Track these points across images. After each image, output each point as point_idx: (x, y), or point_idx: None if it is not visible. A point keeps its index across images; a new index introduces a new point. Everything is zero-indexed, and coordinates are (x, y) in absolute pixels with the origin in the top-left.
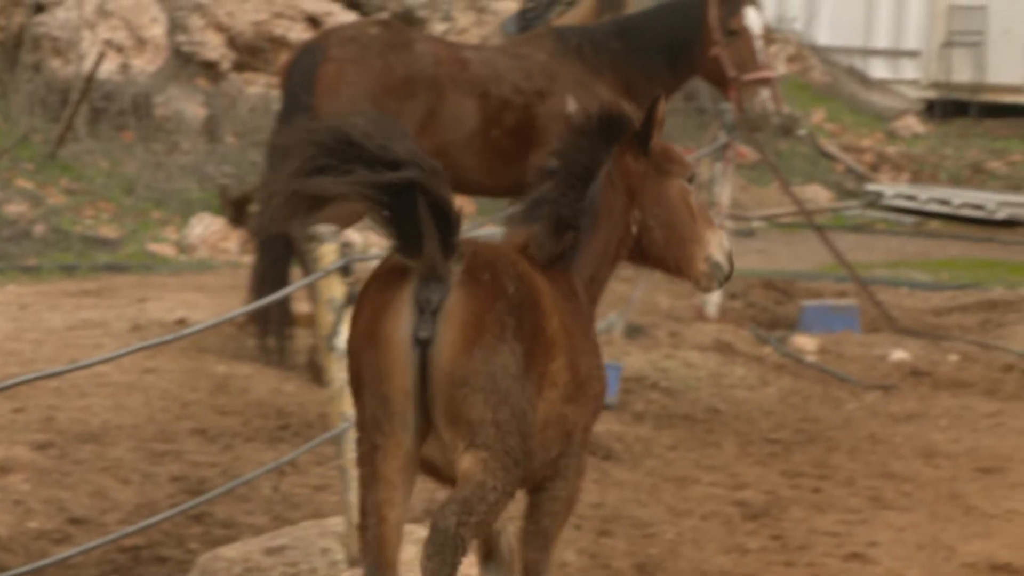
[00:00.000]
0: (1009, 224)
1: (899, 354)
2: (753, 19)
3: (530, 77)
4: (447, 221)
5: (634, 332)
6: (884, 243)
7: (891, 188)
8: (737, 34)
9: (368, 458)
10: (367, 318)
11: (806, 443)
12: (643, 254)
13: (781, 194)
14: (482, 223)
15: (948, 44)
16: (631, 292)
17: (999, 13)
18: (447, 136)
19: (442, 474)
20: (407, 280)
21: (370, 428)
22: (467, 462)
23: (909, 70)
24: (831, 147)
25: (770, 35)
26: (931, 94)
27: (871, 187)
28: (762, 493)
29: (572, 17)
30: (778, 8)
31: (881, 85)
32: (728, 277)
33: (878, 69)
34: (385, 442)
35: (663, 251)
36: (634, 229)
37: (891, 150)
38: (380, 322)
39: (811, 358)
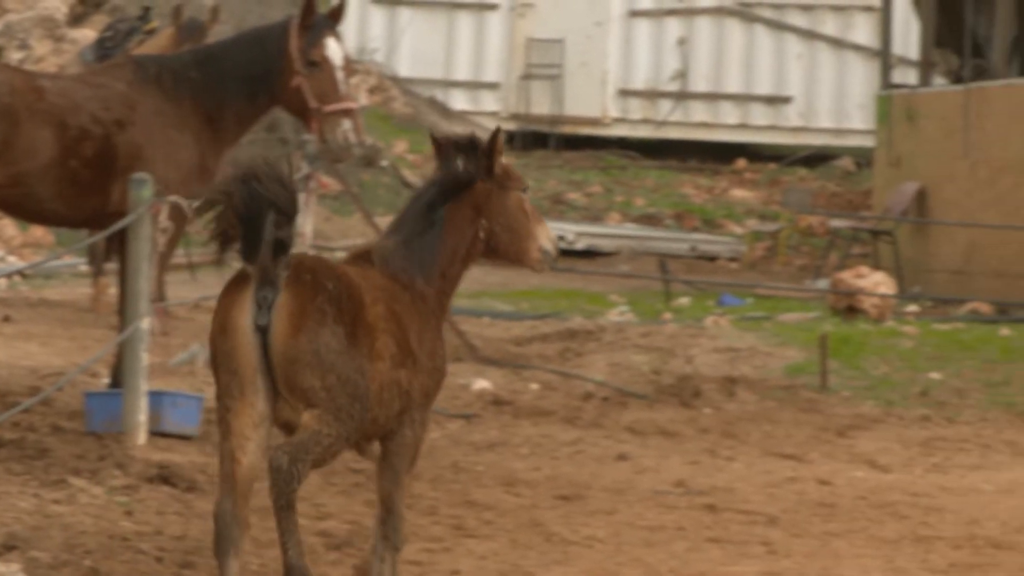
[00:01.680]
0: (588, 254)
1: (481, 383)
2: (334, 50)
3: (108, 107)
4: (281, 241)
5: None
6: (466, 273)
7: None
8: (318, 65)
9: (224, 419)
10: (222, 313)
11: None
12: (492, 252)
13: (364, 225)
14: (61, 253)
15: (527, 77)
16: None
17: (576, 47)
18: (23, 166)
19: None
20: (249, 283)
21: (224, 396)
22: (306, 417)
23: (489, 102)
24: (413, 178)
25: (351, 66)
26: (511, 126)
27: None
28: (345, 523)
29: (151, 46)
30: (359, 39)
31: (462, 117)
32: (556, 260)
33: (459, 101)
34: (236, 405)
35: (507, 249)
36: (482, 235)
37: None
38: (230, 315)
39: None
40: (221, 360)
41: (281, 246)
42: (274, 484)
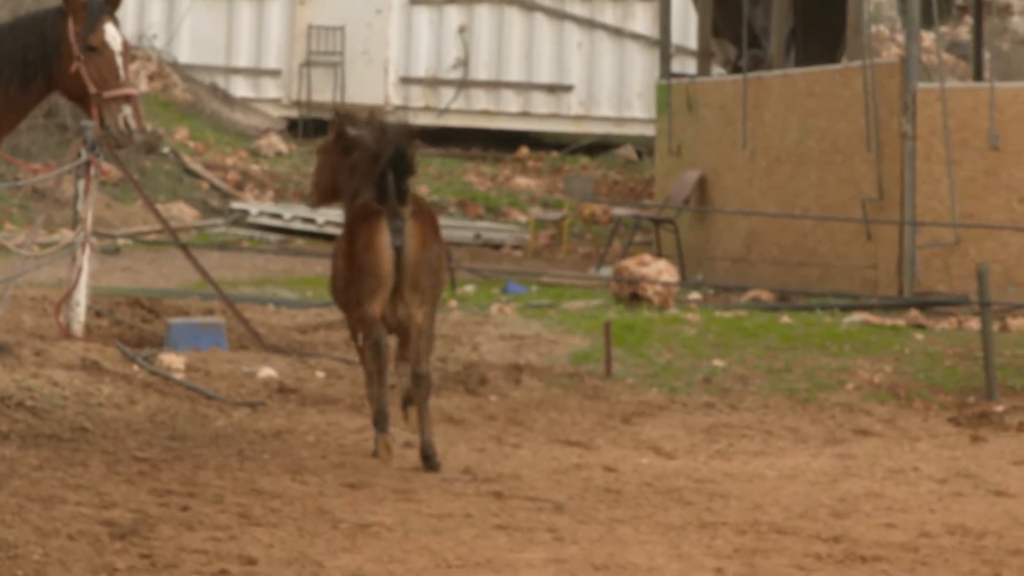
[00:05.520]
0: None
1: (266, 371)
2: (113, 35)
3: None
4: (406, 189)
5: None
6: (250, 261)
7: (256, 206)
8: (97, 50)
9: (367, 303)
10: (366, 238)
11: (174, 461)
12: None
13: (146, 212)
14: None
15: (308, 64)
16: None
17: (357, 35)
18: None
19: (392, 325)
20: (382, 216)
21: (367, 291)
22: (419, 316)
23: (271, 89)
24: (195, 165)
25: (131, 52)
26: (293, 113)
27: (236, 205)
28: (130, 512)
29: None
30: (138, 25)
31: (243, 104)
32: None
33: (240, 88)
34: (376, 296)
35: None
36: None
37: (255, 168)
38: (374, 239)
39: (179, 376)
40: (368, 270)
41: (407, 191)
42: (422, 388)
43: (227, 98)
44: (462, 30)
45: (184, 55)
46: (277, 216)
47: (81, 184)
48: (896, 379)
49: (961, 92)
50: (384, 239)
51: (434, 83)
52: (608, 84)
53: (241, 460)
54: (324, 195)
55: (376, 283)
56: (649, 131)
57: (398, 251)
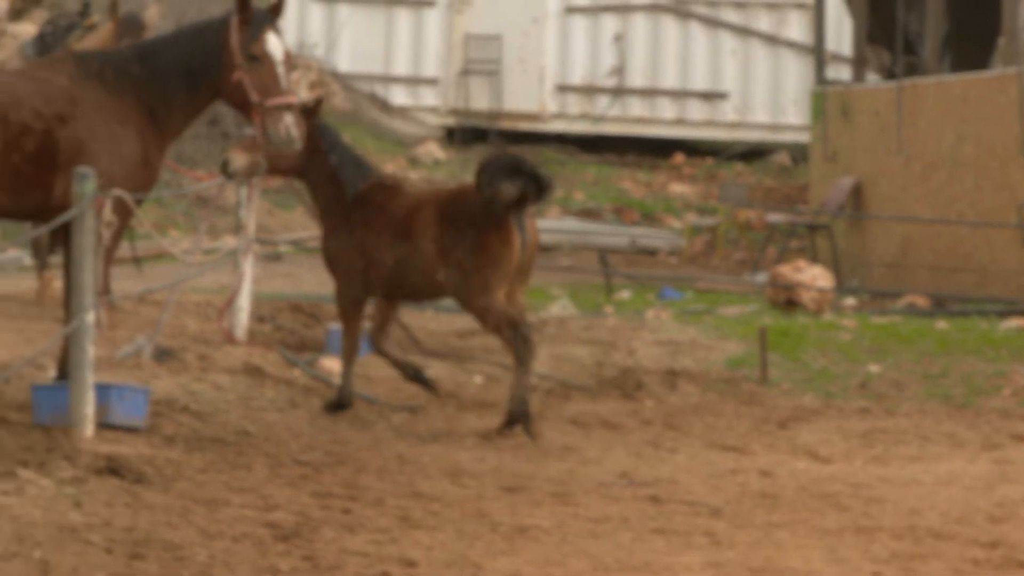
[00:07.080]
0: None
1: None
2: (274, 44)
3: (51, 102)
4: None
5: (163, 355)
6: None
7: None
8: (259, 59)
9: (495, 291)
10: (504, 235)
11: (336, 464)
12: None
13: (307, 218)
14: (4, 246)
15: (466, 72)
16: (159, 315)
17: (514, 43)
18: None
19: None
20: (510, 219)
21: (501, 279)
22: (520, 294)
23: (429, 97)
24: None
25: (292, 61)
26: (450, 121)
27: None
28: (293, 514)
29: (92, 41)
30: (299, 35)
31: (402, 112)
32: None
33: (399, 96)
34: (503, 283)
35: None
36: None
37: (413, 176)
38: (510, 237)
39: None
40: (505, 260)
41: (551, 190)
42: (533, 348)
43: (386, 106)
44: (618, 38)
45: (344, 64)
46: None
47: (244, 191)
48: None
49: None
50: (517, 235)
51: (590, 91)
52: (763, 91)
53: (401, 463)
54: (273, 169)
55: (507, 273)
56: (804, 137)
57: (522, 245)
